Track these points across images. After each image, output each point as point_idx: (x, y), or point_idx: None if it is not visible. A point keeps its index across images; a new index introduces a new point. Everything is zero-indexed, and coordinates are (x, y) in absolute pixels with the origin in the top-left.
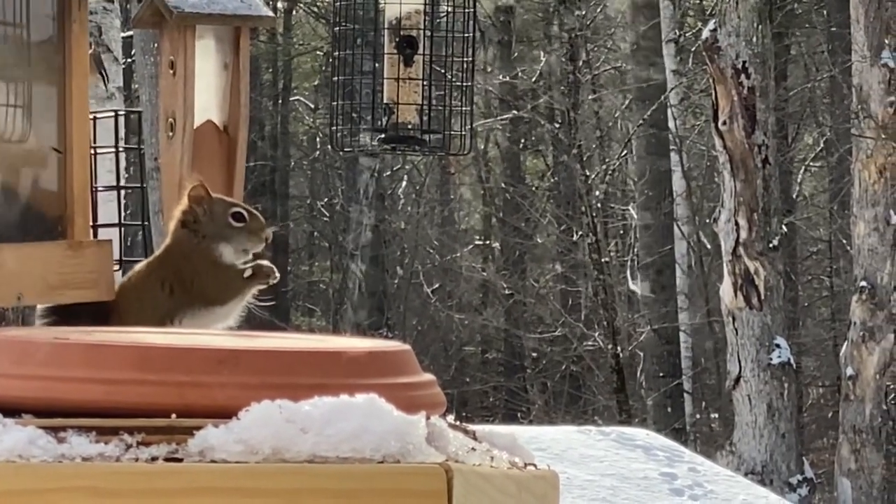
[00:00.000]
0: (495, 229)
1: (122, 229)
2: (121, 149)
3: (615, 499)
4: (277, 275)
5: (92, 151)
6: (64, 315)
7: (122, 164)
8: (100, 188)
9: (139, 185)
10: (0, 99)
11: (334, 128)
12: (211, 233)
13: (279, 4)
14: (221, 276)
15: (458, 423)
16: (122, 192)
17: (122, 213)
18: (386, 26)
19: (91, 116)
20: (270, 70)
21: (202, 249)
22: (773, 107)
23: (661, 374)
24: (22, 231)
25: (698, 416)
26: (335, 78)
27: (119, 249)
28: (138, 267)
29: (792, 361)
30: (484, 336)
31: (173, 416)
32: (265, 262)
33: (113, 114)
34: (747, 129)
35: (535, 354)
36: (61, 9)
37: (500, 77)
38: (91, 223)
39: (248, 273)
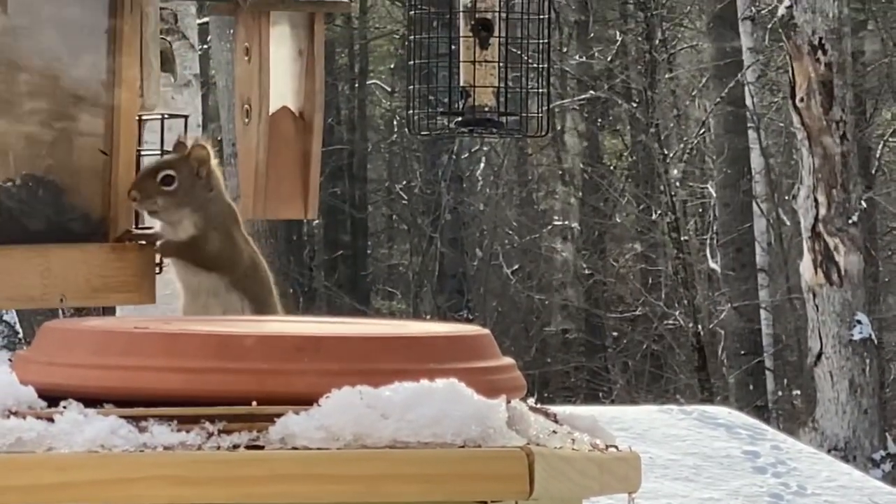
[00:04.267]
0: (574, 209)
1: None
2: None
3: (698, 477)
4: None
5: (137, 153)
6: None
7: None
8: None
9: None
10: (50, 104)
11: (411, 111)
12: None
13: None
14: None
15: (538, 405)
16: None
17: None
18: (461, 9)
19: (137, 118)
20: (346, 53)
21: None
22: (851, 82)
23: (742, 352)
24: (67, 232)
25: (780, 393)
26: (411, 61)
27: None
28: None
29: (873, 337)
30: (564, 316)
31: (254, 403)
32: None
33: (160, 117)
34: (825, 106)
35: (615, 334)
36: (113, 9)
37: (577, 57)
38: (134, 226)
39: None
